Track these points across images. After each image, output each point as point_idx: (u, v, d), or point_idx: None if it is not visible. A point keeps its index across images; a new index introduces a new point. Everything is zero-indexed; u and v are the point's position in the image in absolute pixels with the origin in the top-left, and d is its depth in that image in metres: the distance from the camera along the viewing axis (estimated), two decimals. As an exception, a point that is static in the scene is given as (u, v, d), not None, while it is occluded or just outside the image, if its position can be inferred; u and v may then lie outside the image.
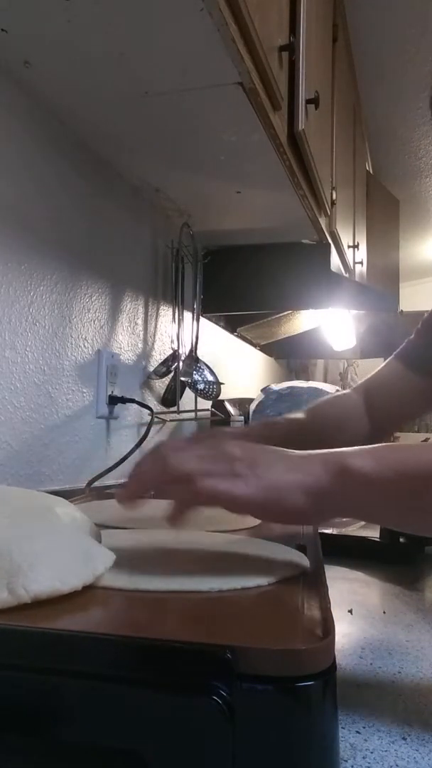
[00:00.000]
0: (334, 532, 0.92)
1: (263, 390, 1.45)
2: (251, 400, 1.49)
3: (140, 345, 1.28)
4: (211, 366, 1.43)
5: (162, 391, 1.37)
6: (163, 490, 0.46)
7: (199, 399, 1.42)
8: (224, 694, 0.26)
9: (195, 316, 1.42)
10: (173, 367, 1.34)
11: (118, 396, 1.14)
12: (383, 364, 0.87)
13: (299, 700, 0.27)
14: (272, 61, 0.88)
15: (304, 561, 0.47)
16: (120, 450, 1.16)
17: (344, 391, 0.94)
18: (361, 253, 2.23)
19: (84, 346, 1.06)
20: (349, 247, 1.92)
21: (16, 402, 0.88)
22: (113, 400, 1.13)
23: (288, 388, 1.45)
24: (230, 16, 0.71)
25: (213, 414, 1.48)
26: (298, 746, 0.27)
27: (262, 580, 0.41)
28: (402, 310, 2.23)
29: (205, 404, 1.46)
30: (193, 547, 0.52)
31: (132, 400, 1.18)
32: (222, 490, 0.42)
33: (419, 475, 0.42)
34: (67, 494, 0.90)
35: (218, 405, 1.50)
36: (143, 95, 0.88)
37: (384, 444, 0.46)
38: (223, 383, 1.45)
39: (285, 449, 0.46)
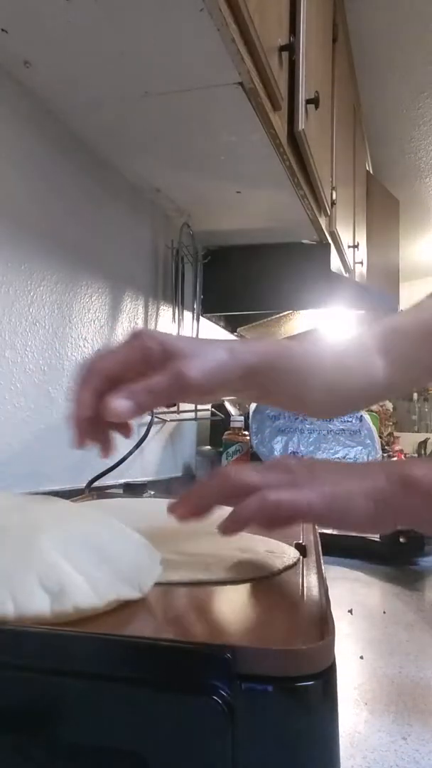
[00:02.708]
0: (334, 532, 0.92)
1: (263, 390, 1.45)
2: (251, 400, 1.49)
3: (140, 345, 1.28)
4: (211, 366, 1.42)
5: (162, 391, 1.37)
6: (224, 502, 0.44)
7: (199, 399, 1.42)
8: (224, 694, 0.26)
9: (195, 316, 1.42)
10: (173, 367, 1.33)
11: (118, 396, 1.14)
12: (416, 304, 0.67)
13: (299, 700, 0.27)
14: (272, 61, 0.88)
15: (292, 553, 0.48)
16: (120, 450, 1.16)
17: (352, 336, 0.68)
18: (361, 253, 2.23)
19: (84, 346, 1.06)
20: (349, 247, 1.92)
21: (16, 402, 0.88)
22: (113, 400, 1.13)
23: (288, 388, 1.45)
24: (230, 16, 0.71)
25: (213, 414, 1.48)
26: (298, 746, 0.27)
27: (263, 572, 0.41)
28: (402, 310, 2.22)
29: (205, 404, 1.46)
30: (188, 543, 0.52)
31: (132, 400, 1.17)
32: (287, 498, 0.41)
33: None
34: (67, 494, 0.90)
35: (218, 405, 1.50)
36: (143, 95, 0.88)
37: None
38: (223, 383, 1.44)
39: (343, 462, 0.46)
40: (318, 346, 0.62)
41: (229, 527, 0.42)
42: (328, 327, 2.00)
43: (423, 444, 2.60)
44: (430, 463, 0.44)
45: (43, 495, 0.51)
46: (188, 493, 0.45)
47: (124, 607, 0.35)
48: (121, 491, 1.05)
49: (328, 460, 0.47)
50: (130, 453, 1.14)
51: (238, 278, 1.54)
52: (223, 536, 0.42)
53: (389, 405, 4.21)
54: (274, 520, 0.42)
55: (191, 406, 1.42)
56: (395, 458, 2.28)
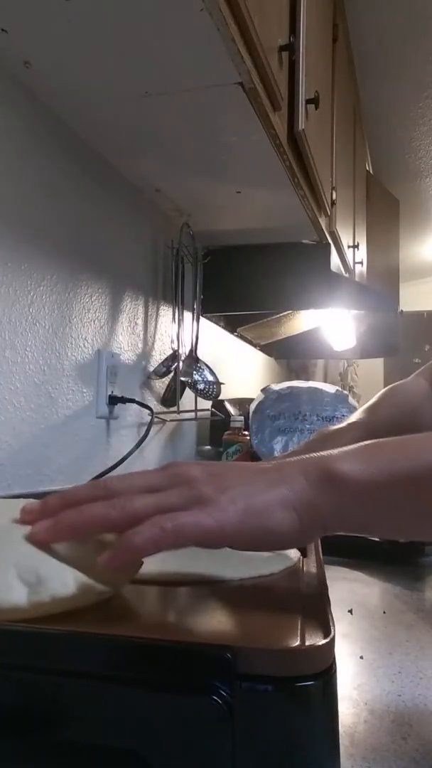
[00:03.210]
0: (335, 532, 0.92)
1: (263, 390, 1.45)
2: (251, 400, 1.48)
3: (140, 345, 1.28)
4: (211, 366, 1.43)
5: (162, 391, 1.37)
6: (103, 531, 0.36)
7: (199, 399, 1.42)
8: (224, 694, 0.26)
9: (195, 316, 1.42)
10: (173, 367, 1.34)
11: (118, 396, 1.14)
12: None
13: (299, 700, 0.27)
14: (272, 61, 0.88)
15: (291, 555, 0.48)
16: (120, 450, 1.16)
17: (403, 381, 0.79)
18: (361, 253, 2.23)
19: (84, 346, 1.06)
20: (349, 247, 1.92)
21: (16, 402, 0.88)
22: (113, 400, 1.13)
23: (288, 388, 1.45)
24: (230, 16, 0.72)
25: (213, 414, 1.48)
26: (298, 746, 0.27)
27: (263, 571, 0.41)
28: (402, 310, 2.23)
29: (205, 404, 1.46)
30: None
31: (132, 400, 1.18)
32: (190, 522, 0.33)
33: (417, 474, 0.36)
34: (67, 494, 0.90)
35: (218, 405, 1.50)
36: (143, 95, 0.88)
37: (372, 441, 0.39)
38: (223, 383, 1.45)
39: (252, 463, 0.39)
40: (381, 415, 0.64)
41: (113, 560, 0.33)
42: (328, 327, 2.00)
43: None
44: (357, 452, 0.38)
45: (27, 499, 0.51)
46: (60, 502, 0.36)
47: (123, 605, 0.35)
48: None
49: (240, 464, 0.40)
50: (130, 453, 1.14)
51: (238, 278, 1.54)
52: (103, 569, 0.33)
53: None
54: (175, 547, 0.34)
55: (191, 406, 1.42)
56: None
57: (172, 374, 1.35)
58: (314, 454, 0.38)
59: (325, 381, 2.99)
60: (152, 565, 0.40)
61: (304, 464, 0.37)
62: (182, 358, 1.35)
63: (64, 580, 0.33)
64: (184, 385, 1.35)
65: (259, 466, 0.39)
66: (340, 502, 0.36)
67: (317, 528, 0.36)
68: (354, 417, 0.73)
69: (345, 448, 0.38)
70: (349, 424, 0.72)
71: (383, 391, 0.78)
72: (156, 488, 0.36)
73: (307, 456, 0.38)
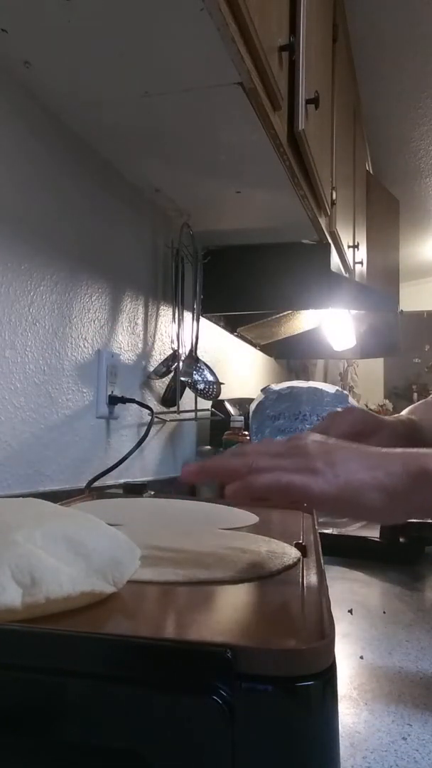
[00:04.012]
0: (334, 532, 0.92)
1: (263, 390, 1.45)
2: (251, 400, 1.48)
3: (140, 345, 1.28)
4: (211, 366, 1.43)
5: (162, 391, 1.37)
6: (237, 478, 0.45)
7: (199, 399, 1.42)
8: (224, 694, 0.26)
9: (195, 316, 1.42)
10: (173, 367, 1.34)
11: (118, 396, 1.14)
12: None
13: (299, 700, 0.27)
14: (272, 61, 0.88)
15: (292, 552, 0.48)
16: (120, 450, 1.16)
17: None
18: (361, 253, 2.23)
19: (84, 346, 1.06)
20: (349, 247, 1.92)
21: (16, 402, 0.88)
22: (113, 400, 1.13)
23: (288, 388, 1.45)
24: (230, 16, 0.71)
25: (213, 414, 1.48)
26: (298, 746, 0.27)
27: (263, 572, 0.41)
28: (402, 310, 2.23)
29: (205, 404, 1.46)
30: (189, 542, 0.52)
31: (132, 400, 1.18)
32: (299, 484, 0.42)
33: None
34: (67, 494, 0.90)
35: (218, 405, 1.50)
36: (143, 95, 0.88)
37: None
38: (223, 383, 1.45)
39: (364, 446, 0.46)
40: None
41: (237, 491, 0.43)
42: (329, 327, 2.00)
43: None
44: None
45: (25, 498, 0.51)
46: (204, 462, 0.47)
47: (123, 605, 0.35)
48: (121, 491, 1.05)
49: (350, 444, 0.47)
50: (130, 453, 1.14)
51: (238, 278, 1.54)
52: (228, 498, 0.43)
53: (389, 405, 4.21)
54: (283, 499, 0.44)
55: (191, 406, 1.42)
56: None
57: (172, 374, 1.35)
58: (417, 450, 0.44)
59: (325, 381, 2.99)
60: (148, 571, 0.40)
61: (406, 456, 0.44)
62: (182, 358, 1.35)
63: (58, 581, 0.33)
64: (184, 385, 1.35)
65: (368, 449, 0.45)
66: (427, 497, 0.42)
67: (401, 511, 0.43)
68: (404, 414, 0.77)
69: None
70: (400, 419, 0.74)
71: (419, 402, 0.83)
72: (279, 455, 0.44)
73: (411, 450, 0.44)
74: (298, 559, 0.47)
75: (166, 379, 1.36)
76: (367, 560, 0.86)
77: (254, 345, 2.17)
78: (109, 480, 1.07)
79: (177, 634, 0.32)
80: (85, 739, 0.28)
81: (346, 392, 1.48)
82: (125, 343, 1.22)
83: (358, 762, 0.35)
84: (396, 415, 0.76)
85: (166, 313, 1.39)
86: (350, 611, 0.64)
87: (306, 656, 0.28)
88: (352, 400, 1.45)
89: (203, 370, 1.41)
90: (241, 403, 1.59)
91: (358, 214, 2.20)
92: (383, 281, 2.65)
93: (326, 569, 0.46)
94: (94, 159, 1.08)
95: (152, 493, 1.00)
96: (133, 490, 1.01)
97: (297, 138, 1.09)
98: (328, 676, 0.28)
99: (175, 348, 1.35)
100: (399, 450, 0.45)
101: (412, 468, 0.42)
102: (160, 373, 1.32)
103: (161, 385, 1.37)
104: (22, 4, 0.71)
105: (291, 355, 2.58)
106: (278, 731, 0.27)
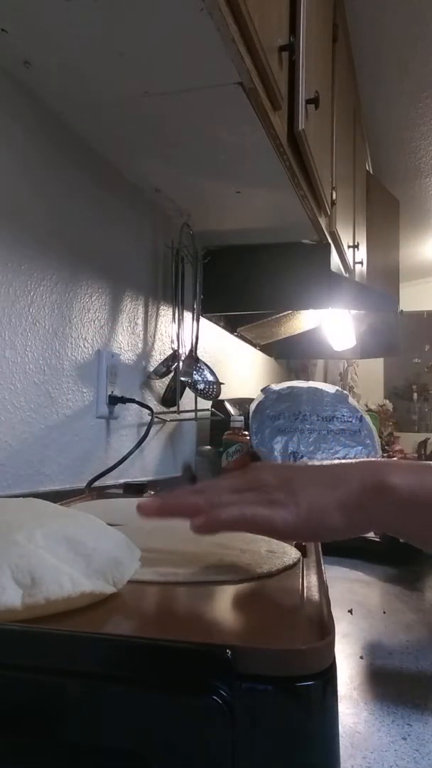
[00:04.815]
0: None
1: (263, 390, 1.45)
2: (251, 400, 1.48)
3: (140, 345, 1.28)
4: (211, 366, 1.43)
5: (162, 391, 1.37)
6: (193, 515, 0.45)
7: (199, 399, 1.42)
8: (224, 694, 0.26)
9: (195, 316, 1.42)
10: (173, 367, 1.34)
11: (118, 396, 1.14)
12: None
13: (299, 700, 0.27)
14: (272, 61, 0.88)
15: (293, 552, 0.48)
16: (120, 450, 1.16)
17: None
18: (361, 253, 2.23)
19: (84, 346, 1.06)
20: (349, 247, 1.92)
21: (16, 402, 0.88)
22: (113, 400, 1.13)
23: (288, 388, 1.45)
24: (230, 16, 0.71)
25: (213, 414, 1.48)
26: (298, 746, 0.27)
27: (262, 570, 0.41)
28: (402, 310, 2.23)
29: (205, 404, 1.46)
30: (189, 542, 0.52)
31: (132, 400, 1.18)
32: (262, 516, 0.42)
33: None
34: (67, 494, 0.90)
35: (218, 405, 1.50)
36: (143, 95, 0.88)
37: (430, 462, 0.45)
38: (223, 383, 1.45)
39: (321, 464, 0.46)
40: None
41: (203, 526, 0.43)
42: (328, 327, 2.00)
43: (423, 444, 2.60)
44: (411, 467, 0.43)
45: (25, 498, 0.51)
46: (162, 496, 0.48)
47: (123, 605, 0.35)
48: (121, 491, 1.05)
49: (309, 467, 0.47)
50: (130, 453, 1.14)
51: (238, 278, 1.54)
52: (195, 533, 0.43)
53: (389, 405, 4.21)
54: (250, 532, 0.44)
55: (191, 406, 1.42)
56: (393, 456, 2.28)
57: (172, 374, 1.35)
58: (380, 462, 0.45)
59: (325, 381, 2.99)
60: (148, 571, 0.40)
61: (365, 471, 0.43)
62: (182, 358, 1.35)
63: (59, 582, 0.33)
64: (184, 385, 1.35)
65: (325, 465, 0.46)
66: (387, 510, 0.42)
67: (364, 527, 0.43)
68: None
69: (410, 463, 0.45)
70: None
71: None
72: (239, 490, 0.45)
73: (373, 461, 0.45)
74: (298, 559, 0.47)
75: (166, 379, 1.36)
76: (367, 560, 0.86)
77: (254, 345, 2.17)
78: (109, 480, 1.07)
79: (177, 635, 0.32)
80: (85, 739, 0.28)
81: (346, 392, 1.48)
82: (125, 343, 1.21)
83: (358, 762, 0.35)
84: None
85: (166, 313, 1.39)
86: (350, 611, 0.64)
87: (306, 656, 0.28)
88: (352, 400, 1.45)
89: (203, 370, 1.41)
90: (241, 403, 1.59)
91: (358, 214, 2.20)
92: (383, 281, 2.65)
93: (326, 569, 0.46)
94: (94, 159, 1.08)
95: (152, 493, 1.00)
96: (133, 490, 1.01)
97: (297, 138, 1.09)
98: (328, 676, 0.28)
99: (175, 348, 1.35)
100: (356, 462, 0.45)
101: (369, 482, 0.42)
102: (160, 373, 1.32)
103: (161, 385, 1.37)
104: (22, 4, 0.71)
105: (291, 355, 2.58)
106: (278, 731, 0.27)
